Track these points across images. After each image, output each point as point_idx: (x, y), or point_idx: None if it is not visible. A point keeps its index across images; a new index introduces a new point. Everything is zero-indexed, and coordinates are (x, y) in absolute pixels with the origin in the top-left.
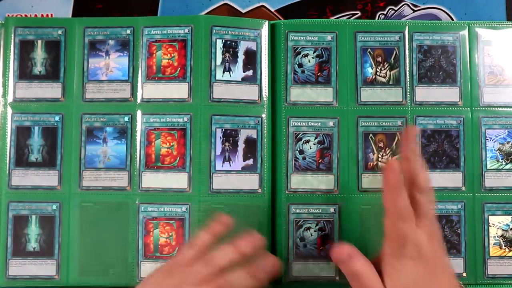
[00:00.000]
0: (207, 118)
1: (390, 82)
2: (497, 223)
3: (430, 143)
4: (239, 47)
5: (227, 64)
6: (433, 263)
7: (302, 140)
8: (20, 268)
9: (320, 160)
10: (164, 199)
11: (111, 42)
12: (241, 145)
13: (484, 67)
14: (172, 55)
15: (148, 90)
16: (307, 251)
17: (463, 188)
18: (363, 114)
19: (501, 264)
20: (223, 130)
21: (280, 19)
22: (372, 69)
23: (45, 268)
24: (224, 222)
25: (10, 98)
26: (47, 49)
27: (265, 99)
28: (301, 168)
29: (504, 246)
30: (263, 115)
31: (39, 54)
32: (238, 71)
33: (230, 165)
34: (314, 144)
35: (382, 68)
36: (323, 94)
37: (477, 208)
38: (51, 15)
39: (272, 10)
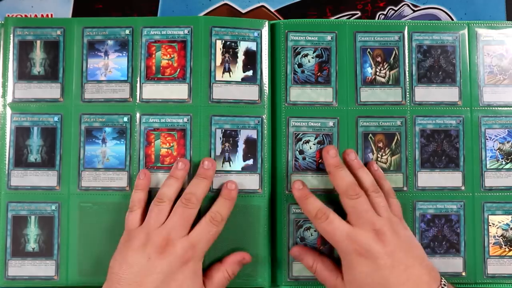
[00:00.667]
0: (207, 119)
1: (390, 82)
2: (497, 223)
3: (429, 143)
4: (239, 47)
5: (227, 64)
6: (386, 259)
7: (302, 140)
8: (19, 268)
9: (320, 160)
10: None
11: (110, 42)
12: (241, 146)
13: (484, 67)
14: (172, 55)
15: (148, 91)
16: None
17: (463, 188)
18: (362, 114)
19: (501, 264)
20: (223, 130)
21: (280, 19)
22: (371, 69)
23: (44, 268)
24: (146, 176)
25: (9, 99)
26: (46, 50)
27: (265, 99)
28: (301, 168)
29: (504, 245)
30: (263, 116)
31: (38, 55)
32: (238, 72)
33: (230, 165)
34: (314, 144)
35: (382, 68)
36: (322, 94)
37: (477, 208)
38: (51, 15)
39: (272, 10)
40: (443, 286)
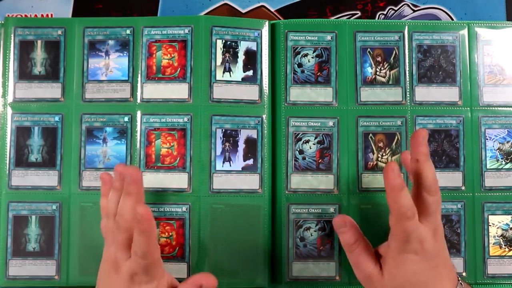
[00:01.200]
0: (207, 118)
1: (390, 82)
2: (497, 223)
3: (429, 143)
4: (239, 47)
5: (227, 64)
6: (434, 258)
7: (302, 140)
8: (20, 268)
9: (320, 160)
10: (164, 199)
11: (111, 42)
12: (241, 145)
13: (484, 67)
14: (172, 55)
15: (148, 90)
16: (307, 251)
17: (463, 188)
18: (362, 114)
19: (501, 264)
20: (223, 130)
21: (280, 19)
22: (371, 69)
23: (45, 268)
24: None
25: (10, 98)
26: (47, 49)
27: (265, 99)
28: (301, 168)
29: (504, 245)
30: (263, 115)
31: (39, 54)
32: (238, 71)
33: (230, 165)
34: (314, 144)
35: (382, 68)
36: (322, 94)
37: (477, 208)
38: (51, 15)
39: (272, 10)
40: (460, 283)
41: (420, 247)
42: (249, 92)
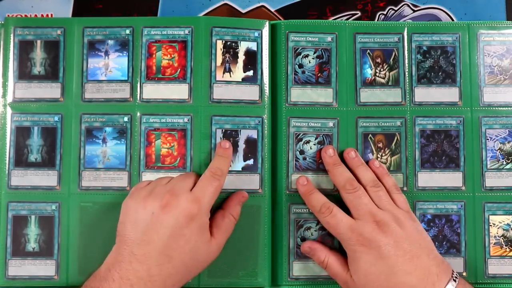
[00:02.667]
0: (207, 119)
1: (389, 83)
2: (497, 223)
3: (429, 143)
4: (239, 47)
5: (227, 64)
6: (394, 248)
7: (303, 141)
8: (19, 268)
9: (320, 161)
10: None
11: (110, 42)
12: (241, 145)
13: (484, 67)
14: (172, 55)
15: (148, 91)
16: None
17: (463, 188)
18: (362, 115)
19: (502, 264)
20: (223, 130)
21: (280, 19)
22: (371, 70)
23: (45, 268)
24: None
25: (9, 98)
26: (47, 49)
27: (265, 99)
28: (302, 168)
29: (505, 245)
30: (264, 116)
31: (39, 54)
32: (238, 72)
33: (230, 165)
34: (314, 144)
35: (381, 69)
36: (323, 95)
37: (478, 208)
38: (51, 15)
39: (272, 10)
40: (454, 278)
41: (361, 238)
42: (249, 93)
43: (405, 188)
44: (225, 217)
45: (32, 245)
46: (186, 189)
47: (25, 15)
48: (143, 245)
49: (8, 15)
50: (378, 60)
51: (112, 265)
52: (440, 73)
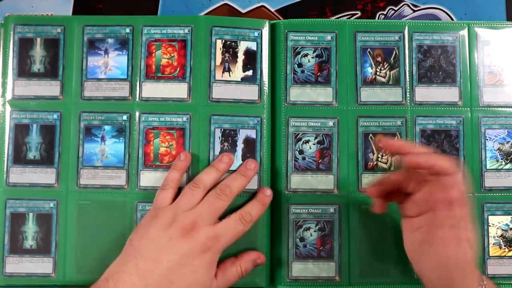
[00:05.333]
0: (206, 118)
1: (390, 82)
2: (496, 223)
3: (429, 143)
4: (239, 47)
5: (226, 64)
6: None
7: (302, 140)
8: (16, 265)
9: (320, 160)
10: None
11: (110, 40)
12: (240, 145)
13: (484, 67)
14: (172, 54)
15: (147, 89)
16: (307, 251)
17: None
18: (362, 114)
19: (501, 264)
20: (222, 130)
21: (280, 19)
22: (371, 69)
23: (42, 265)
24: (186, 157)
25: (8, 96)
26: (46, 47)
27: (264, 99)
28: (301, 168)
29: (504, 246)
30: (263, 115)
31: (38, 52)
32: (237, 71)
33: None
34: (314, 144)
35: (382, 68)
36: (322, 94)
37: (477, 208)
38: (51, 15)
39: (272, 10)
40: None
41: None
42: (249, 92)
43: None
44: (234, 266)
45: (29, 243)
46: (210, 222)
47: (25, 15)
48: (150, 262)
49: (8, 15)
50: (379, 59)
51: (111, 275)
52: (440, 73)
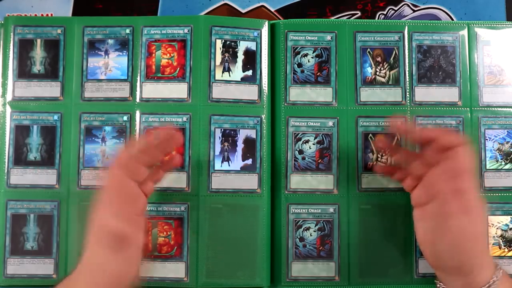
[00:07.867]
0: (206, 118)
1: (390, 82)
2: (496, 223)
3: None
4: (238, 47)
5: (226, 64)
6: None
7: (302, 140)
8: (18, 267)
9: (320, 160)
10: (163, 198)
11: (110, 41)
12: (240, 145)
13: (484, 67)
14: (172, 55)
15: (147, 90)
16: (307, 251)
17: None
18: (362, 114)
19: (501, 265)
20: (222, 130)
21: (280, 19)
22: (371, 69)
23: (43, 267)
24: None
25: (9, 97)
26: (46, 48)
27: (264, 99)
28: (301, 168)
29: (503, 246)
30: (262, 115)
31: (38, 53)
32: (237, 71)
33: (229, 165)
34: (313, 144)
35: (382, 68)
36: (322, 94)
37: None
38: (51, 15)
39: (272, 10)
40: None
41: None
42: (248, 92)
43: None
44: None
45: (30, 244)
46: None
47: (25, 15)
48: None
49: (8, 15)
50: (379, 59)
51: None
52: (440, 73)
